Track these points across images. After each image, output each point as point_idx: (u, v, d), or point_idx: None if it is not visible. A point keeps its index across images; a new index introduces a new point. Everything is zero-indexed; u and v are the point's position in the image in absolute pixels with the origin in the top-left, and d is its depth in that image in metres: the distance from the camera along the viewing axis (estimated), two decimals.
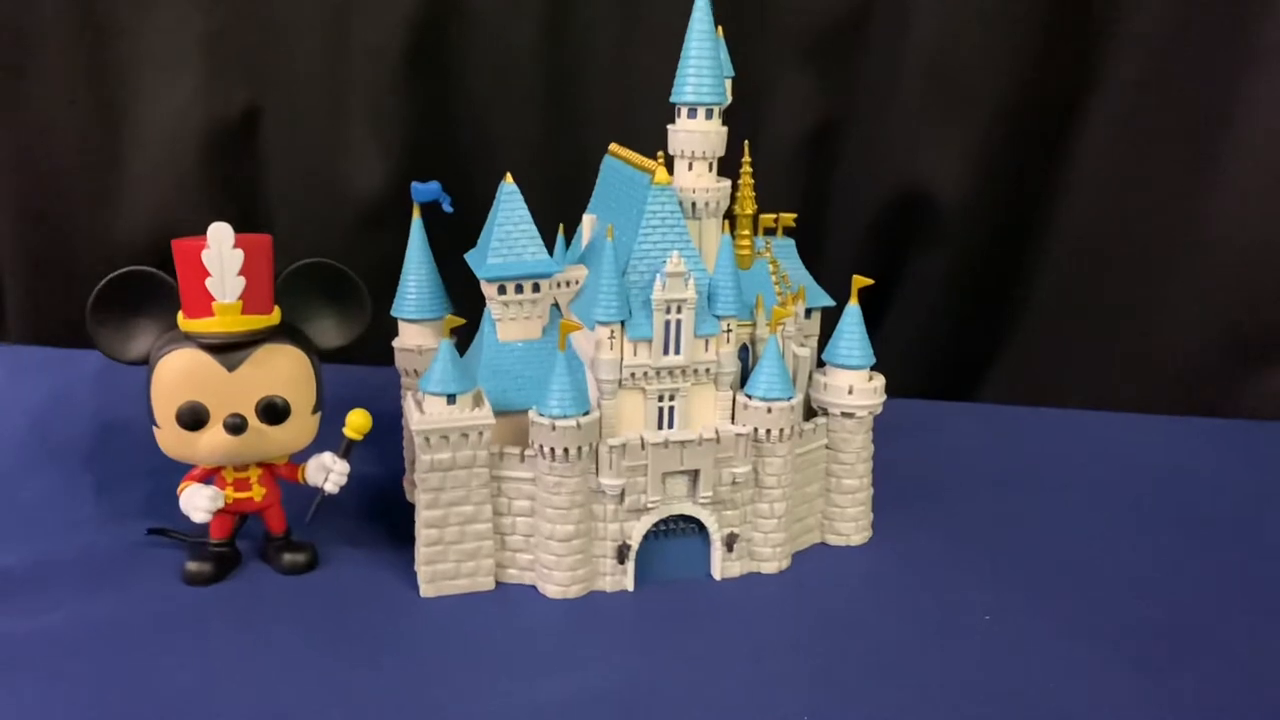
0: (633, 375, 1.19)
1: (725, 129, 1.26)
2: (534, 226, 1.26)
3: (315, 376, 1.22)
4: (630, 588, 1.23)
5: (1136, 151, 1.79)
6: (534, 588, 1.23)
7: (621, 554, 1.21)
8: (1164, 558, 1.35)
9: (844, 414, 1.30)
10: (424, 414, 1.16)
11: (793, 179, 1.86)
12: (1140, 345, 1.88)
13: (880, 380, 1.31)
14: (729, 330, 1.21)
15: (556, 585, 1.20)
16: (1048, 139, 1.81)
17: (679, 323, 1.19)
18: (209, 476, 1.23)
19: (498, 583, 1.23)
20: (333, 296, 1.25)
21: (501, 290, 1.26)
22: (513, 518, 1.22)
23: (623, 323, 1.18)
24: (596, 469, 1.19)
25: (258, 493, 1.24)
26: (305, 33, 1.84)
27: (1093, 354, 1.90)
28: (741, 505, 1.24)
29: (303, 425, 1.21)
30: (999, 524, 1.42)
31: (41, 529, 1.33)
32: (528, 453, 1.19)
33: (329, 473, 1.23)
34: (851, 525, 1.34)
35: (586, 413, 1.17)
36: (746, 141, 1.31)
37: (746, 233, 1.33)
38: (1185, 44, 1.73)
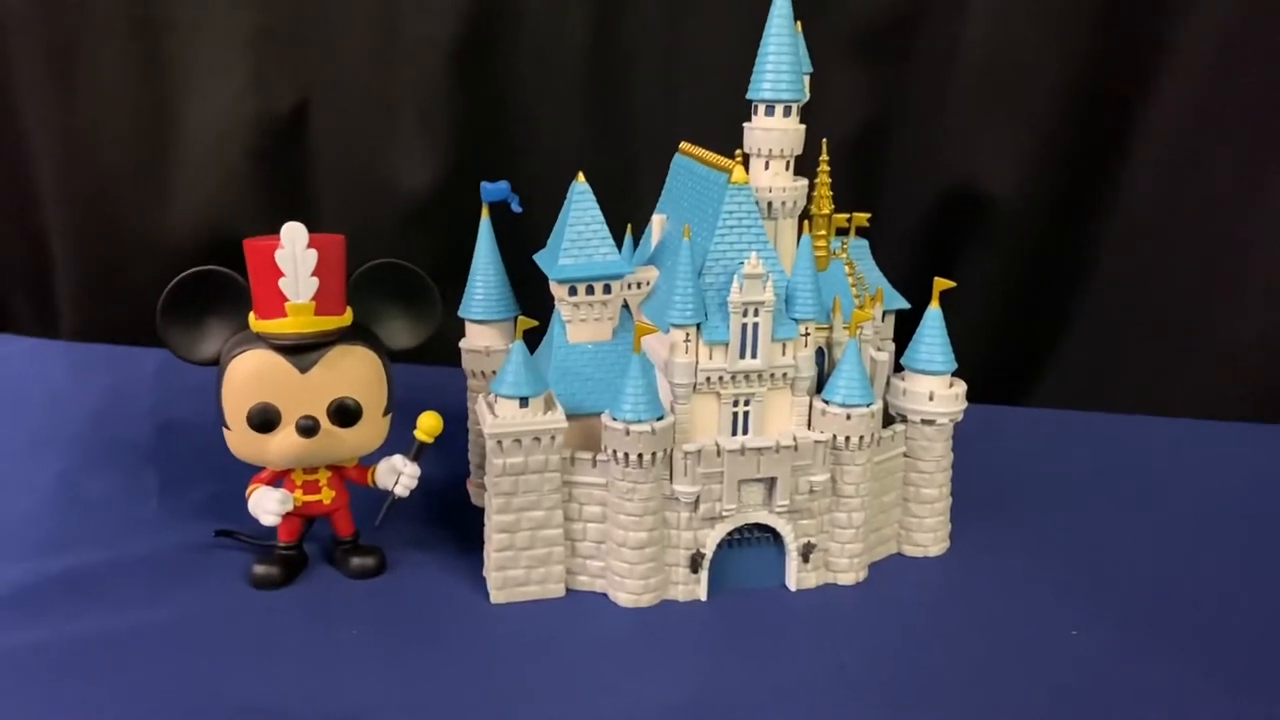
0: (708, 379, 1.16)
1: (803, 127, 1.22)
2: (605, 227, 1.24)
3: (387, 378, 1.20)
4: (703, 597, 1.20)
5: (1194, 150, 1.74)
6: (605, 596, 1.20)
7: (695, 563, 1.18)
8: (1247, 570, 1.30)
9: (924, 421, 1.26)
10: (496, 416, 1.14)
11: (841, 177, 1.81)
12: (1196, 348, 1.82)
13: (962, 386, 1.27)
14: (807, 334, 1.18)
15: (629, 594, 1.17)
16: (1103, 138, 1.77)
17: (756, 326, 1.15)
18: (278, 479, 1.21)
19: (568, 590, 1.20)
20: (404, 297, 1.23)
21: (572, 291, 1.23)
22: (584, 524, 1.19)
23: (698, 326, 1.15)
24: (671, 475, 1.16)
25: (327, 495, 1.22)
26: (354, 29, 1.84)
27: (1148, 357, 1.85)
28: (818, 514, 1.21)
29: (374, 427, 1.19)
30: (1073, 534, 1.38)
31: (107, 530, 1.32)
32: (600, 458, 1.17)
33: (399, 475, 1.22)
34: (930, 536, 1.30)
35: (660, 417, 1.14)
36: (825, 140, 1.27)
37: (823, 233, 1.30)
38: (1244, 41, 1.67)
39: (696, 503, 1.16)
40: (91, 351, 1.99)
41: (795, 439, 1.17)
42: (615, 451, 1.14)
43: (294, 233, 1.11)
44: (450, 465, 1.48)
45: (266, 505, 1.18)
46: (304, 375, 1.14)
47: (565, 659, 1.10)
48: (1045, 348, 1.90)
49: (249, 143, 1.90)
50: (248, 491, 1.20)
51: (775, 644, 1.14)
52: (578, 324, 1.25)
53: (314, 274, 1.12)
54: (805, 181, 1.24)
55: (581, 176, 1.24)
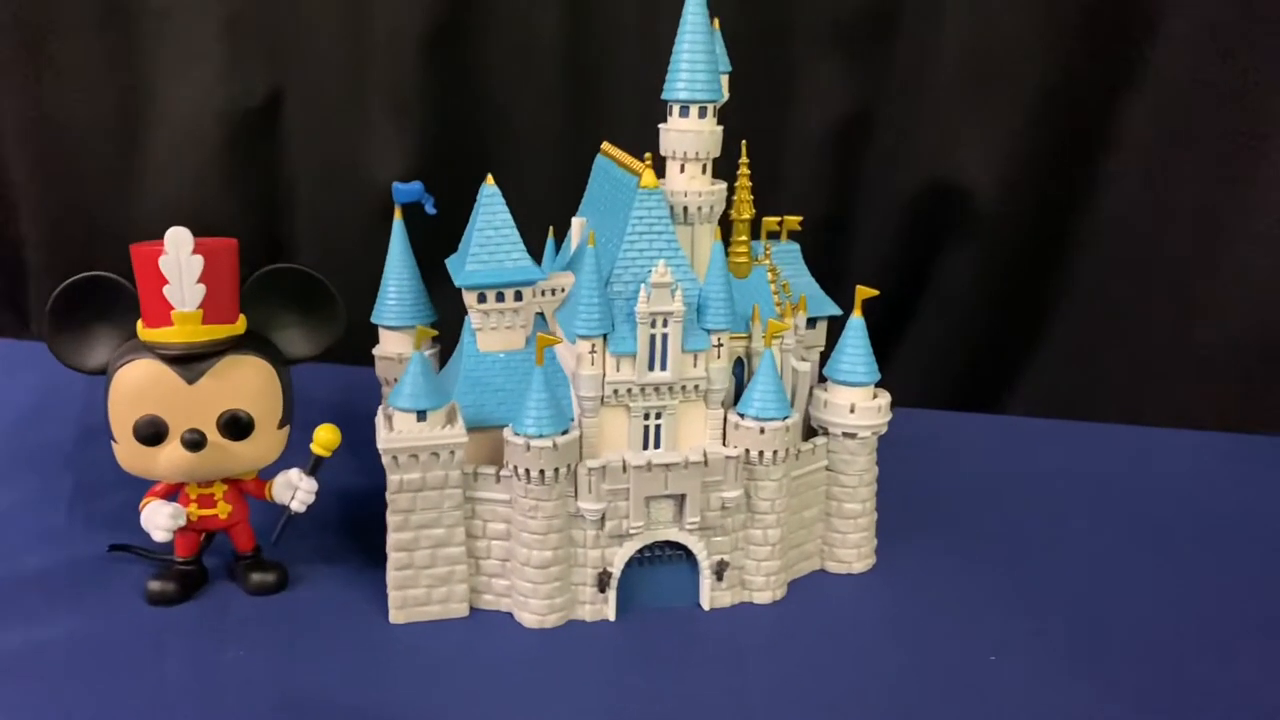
0: (615, 392, 1.12)
1: (720, 128, 1.17)
2: (516, 231, 1.19)
3: (283, 389, 1.15)
4: (612, 617, 1.16)
5: (1177, 149, 1.69)
6: (510, 615, 1.16)
7: (602, 582, 1.14)
8: (1186, 584, 1.27)
9: (845, 434, 1.21)
10: (392, 431, 1.10)
11: (820, 173, 1.79)
12: (1176, 355, 1.78)
13: (885, 398, 1.22)
14: (720, 344, 1.13)
15: (533, 614, 1.13)
16: (1086, 135, 1.73)
17: (665, 337, 1.11)
18: (172, 493, 1.17)
19: (472, 609, 1.16)
20: (302, 304, 1.18)
21: (481, 299, 1.19)
22: (488, 541, 1.15)
23: (605, 336, 1.11)
24: (575, 492, 1.12)
25: (223, 510, 1.18)
26: (327, 19, 1.80)
27: (1127, 363, 1.80)
28: (732, 531, 1.16)
29: (268, 440, 1.15)
30: (1012, 548, 1.34)
31: (7, 540, 1.28)
32: (503, 473, 1.13)
33: (296, 490, 1.17)
34: (853, 552, 1.25)
35: (565, 431, 1.10)
36: (744, 142, 1.22)
37: (744, 238, 1.25)
38: (1225, 40, 1.63)
39: (602, 520, 1.12)
40: (31, 349, 1.95)
41: (705, 454, 1.12)
42: (517, 467, 1.09)
43: (178, 238, 1.06)
44: (369, 475, 1.43)
45: (157, 520, 1.13)
46: (191, 386, 1.09)
47: (466, 681, 1.06)
48: (1022, 353, 1.86)
49: (220, 135, 1.86)
50: (141, 505, 1.15)
51: (686, 667, 1.09)
52: (488, 332, 1.20)
53: (200, 280, 1.07)
54: (723, 185, 1.19)
55: (490, 179, 1.20)
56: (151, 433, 1.09)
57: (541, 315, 1.24)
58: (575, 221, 1.29)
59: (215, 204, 1.89)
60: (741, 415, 1.15)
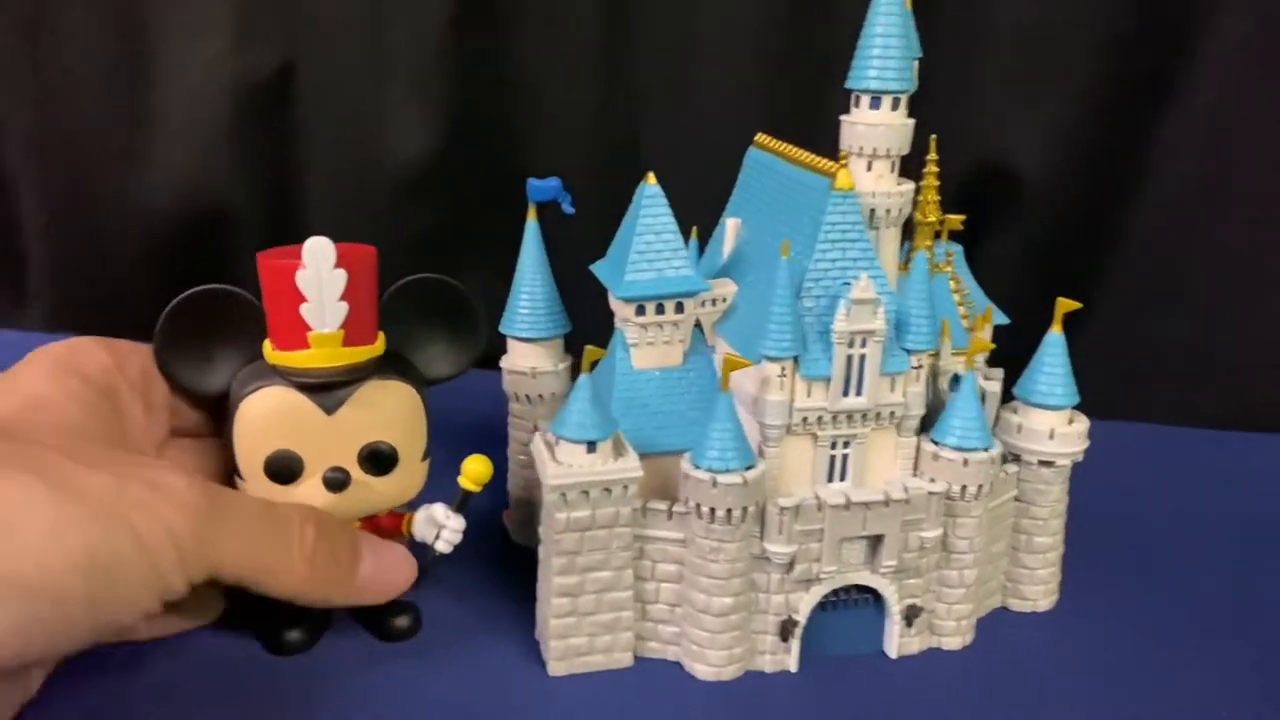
0: (805, 420, 1.00)
1: (912, 121, 1.05)
2: (679, 235, 1.07)
3: (425, 416, 1.03)
4: (793, 668, 1.04)
5: (1228, 138, 1.60)
6: (679, 665, 1.04)
7: (785, 630, 1.03)
8: None
9: (1041, 462, 1.10)
10: (560, 463, 0.97)
11: None
12: (1222, 350, 1.70)
13: (1084, 423, 1.11)
14: (919, 366, 1.02)
15: (709, 666, 1.02)
16: (1135, 120, 1.64)
17: (863, 358, 0.99)
18: None
19: (636, 658, 1.04)
20: (445, 319, 1.05)
21: (640, 310, 1.06)
22: (656, 584, 1.03)
23: (796, 358, 0.99)
24: (762, 532, 1.00)
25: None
26: None
27: (1176, 360, 1.72)
28: (925, 573, 1.05)
29: (411, 474, 1.03)
30: (1187, 570, 1.25)
31: None
32: (677, 509, 1.01)
33: (441, 530, 1.03)
34: (1039, 589, 1.14)
35: (750, 466, 0.98)
36: (934, 137, 1.10)
37: (928, 243, 1.13)
38: None
39: (791, 564, 1.00)
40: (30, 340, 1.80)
41: (907, 490, 1.01)
42: (698, 505, 0.97)
43: (319, 250, 0.92)
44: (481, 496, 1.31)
45: None
46: (331, 417, 0.97)
47: None
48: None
49: (230, 106, 1.74)
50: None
51: None
52: (644, 347, 1.08)
53: (343, 298, 0.94)
54: (912, 186, 1.07)
55: (652, 178, 1.07)
56: (285, 470, 0.97)
57: (698, 327, 1.11)
58: (729, 222, 1.16)
59: (224, 181, 1.78)
60: (939, 444, 1.03)
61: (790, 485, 1.01)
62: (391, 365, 1.00)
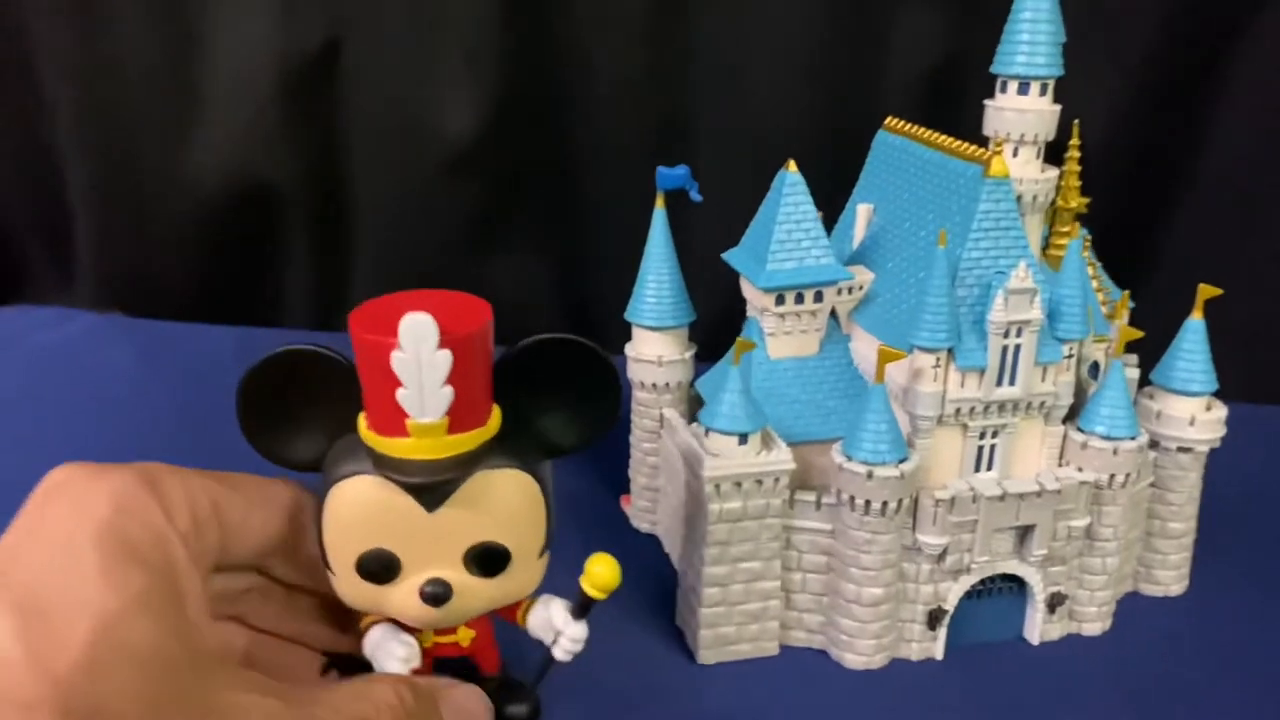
0: (957, 411, 0.99)
1: (1058, 107, 1.04)
2: (820, 224, 1.06)
3: (545, 505, 0.82)
4: (939, 656, 1.04)
5: None
6: (823, 653, 1.04)
7: (934, 620, 1.03)
8: None
9: (1180, 449, 1.10)
10: (715, 456, 0.97)
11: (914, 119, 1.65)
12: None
13: (1222, 410, 1.10)
14: (1070, 355, 1.01)
15: (857, 655, 1.02)
16: (1191, 93, 1.60)
17: (1018, 348, 0.98)
18: (405, 640, 0.85)
19: (781, 646, 1.05)
20: (573, 384, 0.83)
21: (779, 300, 1.06)
22: (803, 574, 1.03)
23: (950, 349, 0.98)
24: (914, 523, 1.00)
25: (464, 636, 0.88)
26: None
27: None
28: (1070, 560, 1.05)
29: (526, 572, 0.83)
30: None
31: None
32: (826, 500, 1.00)
33: (559, 636, 0.86)
34: (1172, 574, 1.14)
35: (904, 458, 0.97)
36: (1076, 121, 1.09)
37: (1067, 229, 1.12)
38: None
39: (943, 555, 1.01)
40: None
41: (1059, 480, 1.00)
42: (852, 498, 0.97)
43: (418, 331, 0.71)
44: (598, 471, 1.31)
45: (387, 664, 0.82)
46: (433, 515, 0.79)
47: None
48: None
49: (277, 84, 1.73)
50: (362, 625, 0.85)
51: (1024, 710, 0.99)
52: (781, 337, 1.08)
53: (448, 382, 0.73)
54: (1055, 172, 1.06)
55: (792, 165, 1.06)
56: (381, 571, 0.80)
57: (834, 316, 1.11)
58: (861, 208, 1.15)
59: (270, 158, 1.77)
60: (1086, 432, 1.03)
61: (939, 475, 1.01)
62: (506, 446, 0.80)
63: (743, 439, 0.98)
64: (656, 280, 1.17)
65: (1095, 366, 1.09)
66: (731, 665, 1.03)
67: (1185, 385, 1.09)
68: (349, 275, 1.87)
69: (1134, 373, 1.13)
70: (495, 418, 0.79)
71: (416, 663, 0.83)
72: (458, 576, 0.80)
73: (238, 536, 0.77)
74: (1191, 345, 1.09)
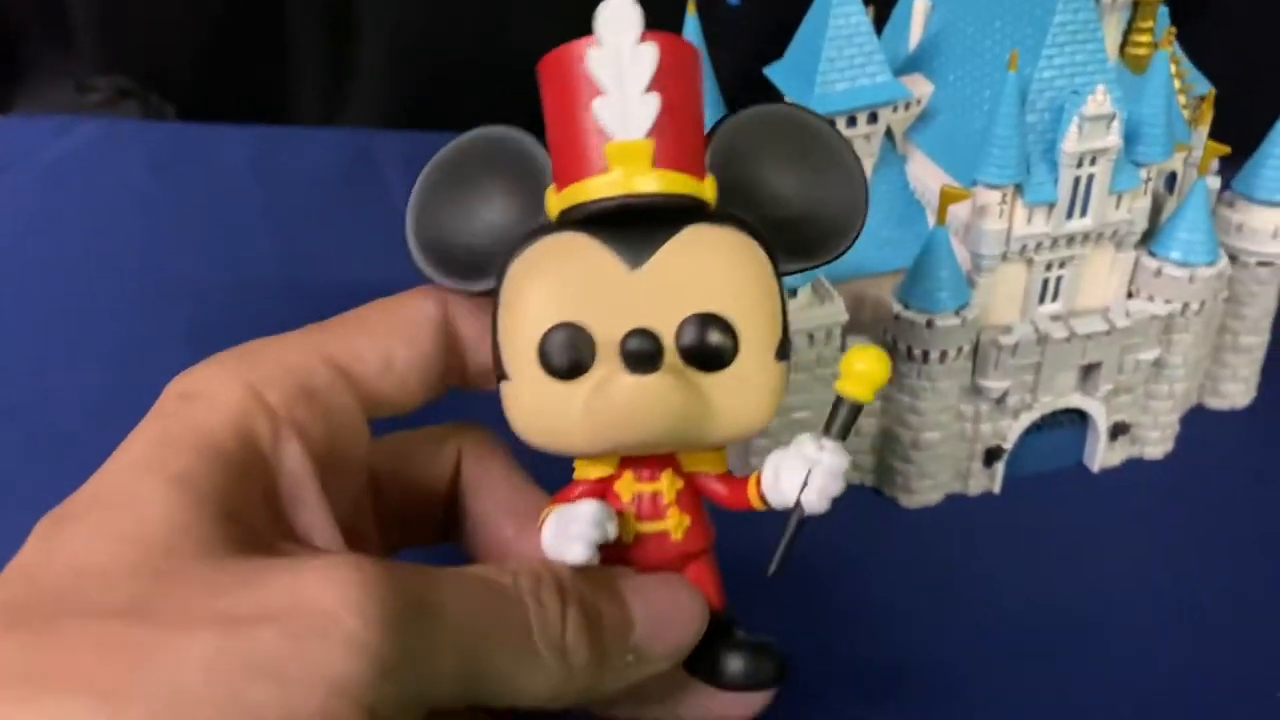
0: (1023, 248, 0.92)
1: None
2: (874, 38, 0.95)
3: (782, 299, 0.63)
4: (997, 490, 1.03)
5: None
6: (877, 491, 1.03)
7: (991, 457, 1.00)
8: None
9: (1260, 263, 1.02)
10: None
11: None
12: None
13: None
14: (1149, 180, 0.92)
15: (913, 494, 1.00)
16: None
17: (1091, 178, 0.90)
18: (594, 494, 0.64)
19: None
20: (800, 174, 0.65)
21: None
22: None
23: (1019, 184, 0.90)
24: (974, 366, 0.95)
25: (676, 524, 0.64)
26: None
27: None
28: (1136, 388, 1.01)
29: (759, 374, 0.61)
30: None
31: None
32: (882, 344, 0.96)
33: (811, 469, 0.60)
34: (1240, 387, 1.10)
35: (965, 304, 0.91)
36: None
37: (1149, 24, 0.99)
38: None
39: (1004, 396, 0.97)
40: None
41: (1130, 315, 0.94)
42: (909, 347, 0.92)
43: (620, 15, 0.57)
44: None
45: (573, 530, 0.61)
46: (636, 272, 0.60)
47: (850, 568, 0.96)
48: None
49: None
50: (540, 520, 0.63)
51: (1085, 536, 0.99)
52: None
53: (653, 89, 0.58)
54: None
55: None
56: (569, 353, 0.59)
57: (888, 135, 1.01)
58: (917, 5, 1.03)
59: None
60: (1160, 257, 0.96)
61: (1001, 312, 0.95)
62: (730, 218, 0.62)
63: (792, 293, 0.92)
64: None
65: (1172, 178, 1.00)
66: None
67: (1271, 195, 1.00)
68: (357, 66, 1.76)
69: (1214, 181, 1.04)
70: (711, 184, 0.62)
71: (612, 533, 0.62)
72: (671, 359, 0.59)
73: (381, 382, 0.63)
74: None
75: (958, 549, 0.99)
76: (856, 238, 0.65)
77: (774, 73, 1.01)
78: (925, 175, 0.99)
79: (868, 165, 1.00)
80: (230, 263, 1.42)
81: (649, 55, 0.57)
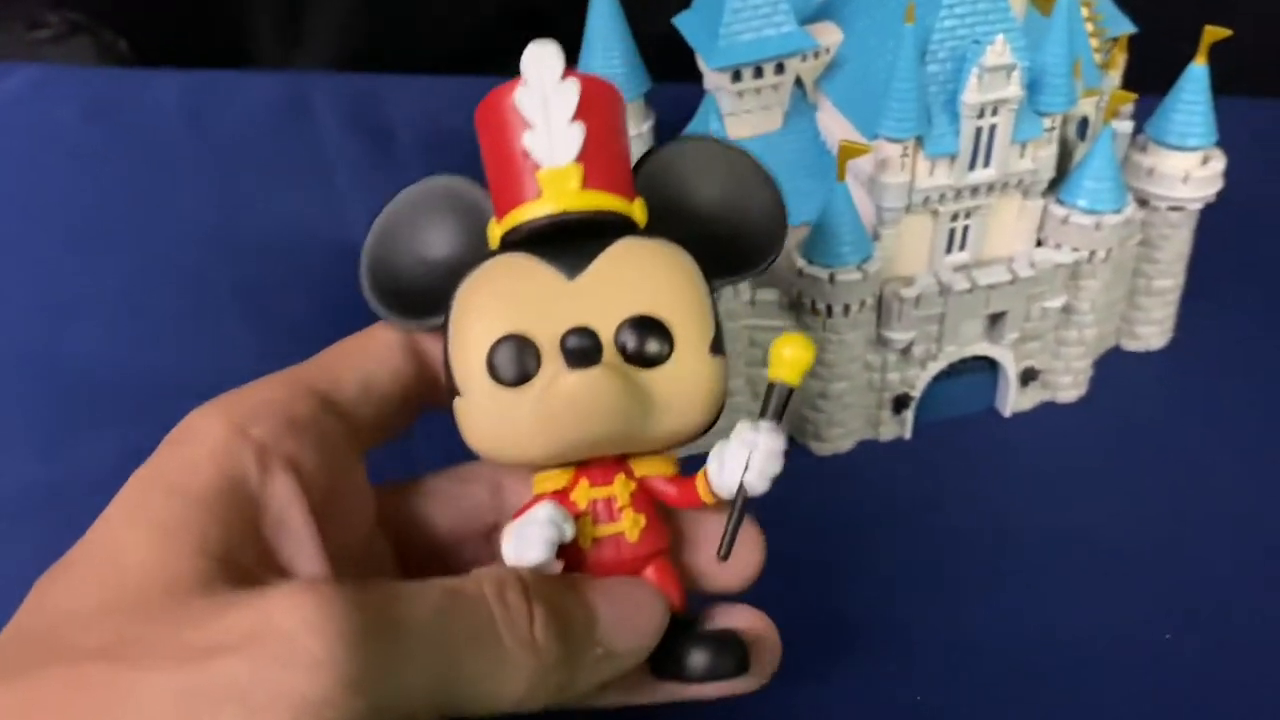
0: (926, 200, 0.92)
1: None
2: None
3: (711, 302, 0.67)
4: (907, 435, 1.04)
5: None
6: (790, 439, 1.04)
7: (900, 404, 1.02)
8: None
9: (1171, 208, 1.03)
10: None
11: None
12: None
13: (1220, 162, 1.02)
14: (1053, 128, 0.92)
15: (824, 442, 1.02)
16: None
17: (993, 129, 0.89)
18: (550, 501, 0.66)
19: None
20: (724, 203, 0.71)
21: (736, 77, 0.96)
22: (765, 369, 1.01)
23: (919, 137, 0.89)
24: (879, 318, 0.96)
25: (631, 526, 0.67)
26: None
27: None
28: (1044, 335, 1.02)
29: (698, 369, 0.65)
30: None
31: None
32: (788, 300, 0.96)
33: (751, 452, 0.65)
34: (1155, 329, 1.11)
35: (868, 257, 0.92)
36: None
37: None
38: None
39: (909, 347, 0.97)
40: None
41: (1034, 265, 0.95)
42: (814, 301, 0.93)
43: (539, 55, 0.64)
44: None
45: (528, 533, 0.64)
46: (573, 282, 0.64)
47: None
48: None
49: None
50: (502, 535, 0.65)
51: (996, 478, 1.01)
52: (741, 116, 0.99)
53: (577, 118, 0.64)
54: None
55: None
56: (516, 361, 0.63)
57: (799, 84, 1.01)
58: None
59: None
60: (1067, 205, 0.96)
61: (906, 264, 0.96)
62: (658, 235, 0.67)
63: None
64: (605, 49, 1.06)
65: (1084, 124, 1.00)
66: (700, 457, 1.04)
67: (1181, 139, 1.00)
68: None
69: (1126, 126, 1.03)
70: (640, 207, 0.67)
71: (567, 533, 0.65)
72: (609, 357, 0.63)
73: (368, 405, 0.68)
74: (1192, 95, 0.98)
75: (870, 494, 1.01)
76: (779, 252, 0.71)
77: (682, 22, 1.00)
78: (834, 126, 0.99)
79: (778, 116, 1.00)
80: (164, 210, 1.42)
81: (571, 89, 0.64)
